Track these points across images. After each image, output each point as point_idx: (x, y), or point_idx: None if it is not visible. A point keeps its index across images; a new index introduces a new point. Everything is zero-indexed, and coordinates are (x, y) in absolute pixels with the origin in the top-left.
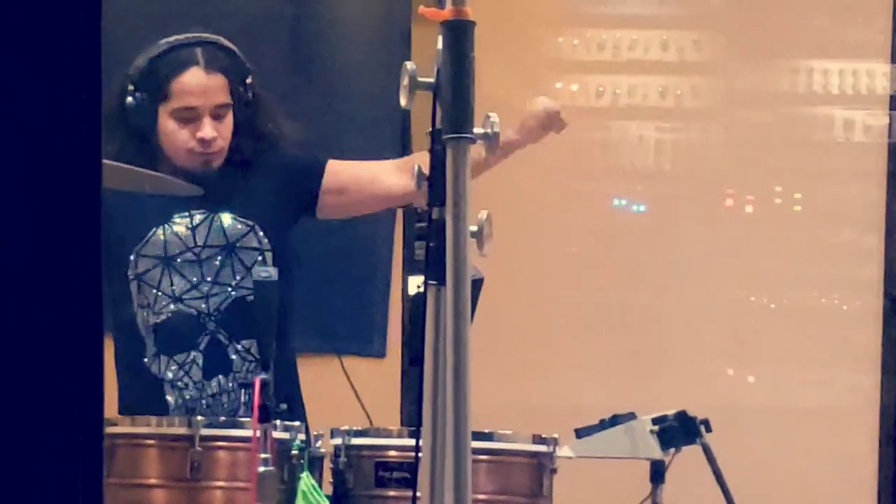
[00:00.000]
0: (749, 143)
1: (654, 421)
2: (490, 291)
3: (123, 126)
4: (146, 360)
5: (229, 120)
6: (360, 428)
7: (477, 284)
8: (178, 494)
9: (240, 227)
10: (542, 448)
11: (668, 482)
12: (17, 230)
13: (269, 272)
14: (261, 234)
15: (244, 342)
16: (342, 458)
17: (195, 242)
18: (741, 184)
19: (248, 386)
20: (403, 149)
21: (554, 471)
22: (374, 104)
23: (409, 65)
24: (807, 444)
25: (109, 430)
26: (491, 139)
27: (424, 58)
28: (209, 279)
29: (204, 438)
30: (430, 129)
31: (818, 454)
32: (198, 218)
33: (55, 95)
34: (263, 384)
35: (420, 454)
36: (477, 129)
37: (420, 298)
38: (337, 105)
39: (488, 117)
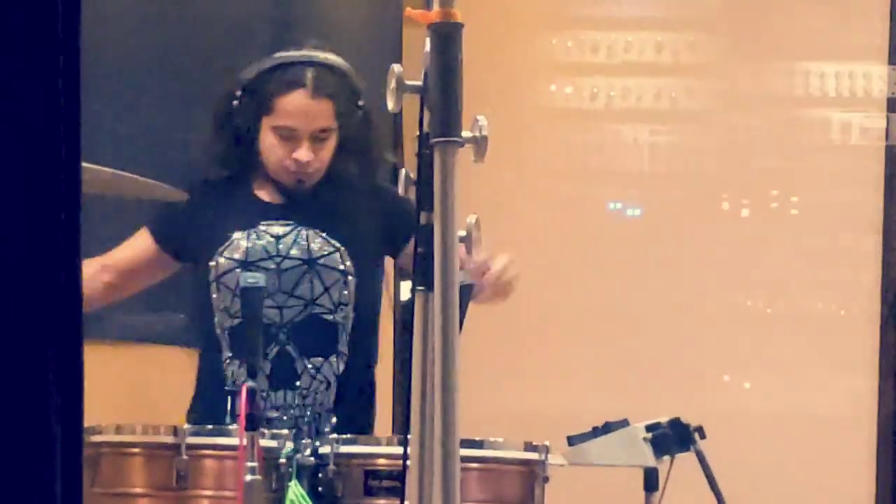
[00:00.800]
0: (745, 147)
1: (648, 428)
2: None
3: (229, 129)
4: (224, 363)
5: (331, 143)
6: (349, 436)
7: (466, 290)
8: None
9: (326, 246)
10: (534, 456)
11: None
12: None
13: (257, 278)
14: (346, 258)
15: (314, 359)
16: (331, 466)
17: (277, 252)
18: (737, 187)
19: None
20: (395, 150)
21: (546, 479)
22: None
23: (396, 67)
24: (803, 450)
25: (94, 438)
26: (480, 142)
27: (416, 60)
28: (286, 291)
29: (190, 447)
30: (418, 133)
31: (815, 460)
32: (284, 229)
33: (35, 96)
34: (250, 392)
35: (408, 462)
36: (465, 133)
37: (412, 304)
38: None
39: (476, 120)
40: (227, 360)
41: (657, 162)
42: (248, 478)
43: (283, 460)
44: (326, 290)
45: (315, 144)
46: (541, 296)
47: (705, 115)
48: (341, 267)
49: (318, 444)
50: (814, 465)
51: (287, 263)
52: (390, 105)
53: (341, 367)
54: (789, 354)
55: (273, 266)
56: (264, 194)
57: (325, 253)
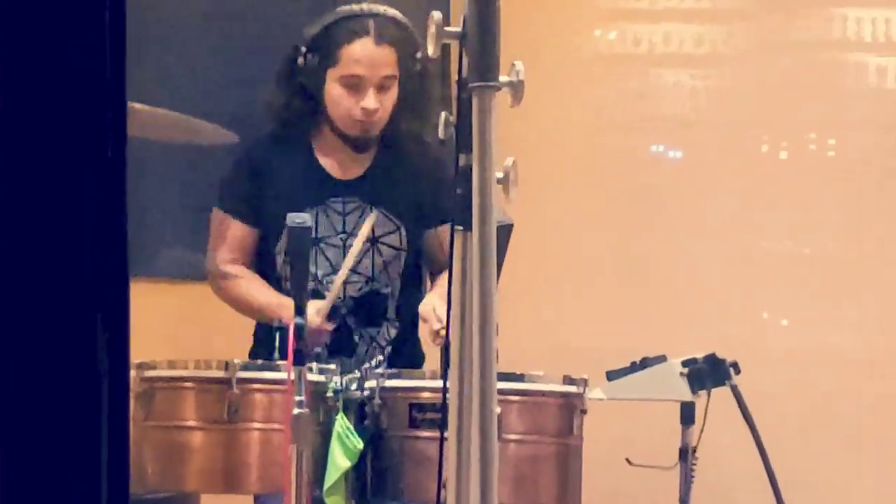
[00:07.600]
0: (783, 91)
1: (684, 363)
2: (524, 236)
3: (291, 84)
4: None
5: (394, 92)
6: (394, 370)
7: (506, 230)
8: (215, 436)
9: (387, 224)
10: (572, 389)
11: (698, 423)
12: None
13: (304, 218)
14: (404, 235)
15: (370, 329)
16: (376, 400)
17: (344, 229)
18: (775, 130)
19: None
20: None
21: (584, 411)
22: None
23: (436, 14)
24: (839, 386)
25: (148, 373)
26: (516, 87)
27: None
28: (351, 268)
29: (241, 381)
30: (457, 78)
31: (850, 397)
32: (351, 206)
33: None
34: (298, 328)
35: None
36: (503, 78)
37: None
38: None
39: (513, 65)
40: None
41: (698, 106)
42: (296, 411)
43: (330, 394)
44: (385, 266)
45: (380, 93)
46: (582, 235)
47: (744, 59)
48: (399, 245)
49: (364, 378)
50: (848, 401)
51: (352, 241)
52: (430, 50)
53: (393, 333)
54: (826, 293)
55: (339, 243)
56: (329, 164)
57: (387, 231)
